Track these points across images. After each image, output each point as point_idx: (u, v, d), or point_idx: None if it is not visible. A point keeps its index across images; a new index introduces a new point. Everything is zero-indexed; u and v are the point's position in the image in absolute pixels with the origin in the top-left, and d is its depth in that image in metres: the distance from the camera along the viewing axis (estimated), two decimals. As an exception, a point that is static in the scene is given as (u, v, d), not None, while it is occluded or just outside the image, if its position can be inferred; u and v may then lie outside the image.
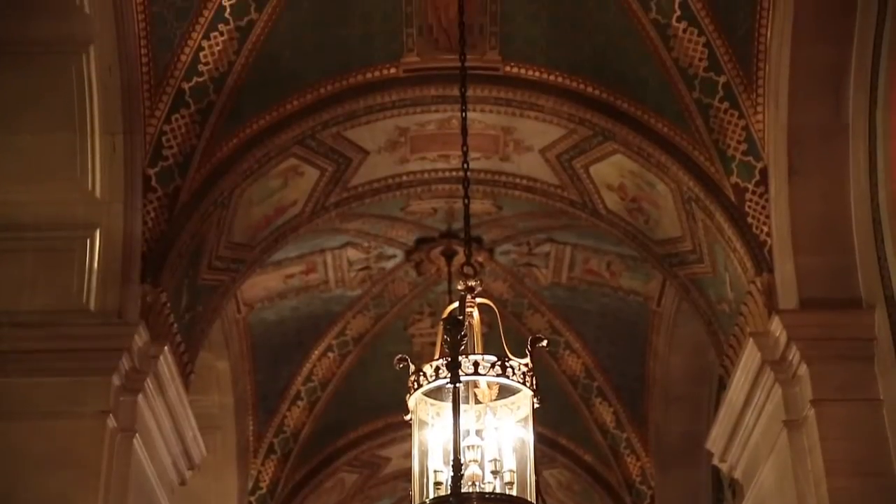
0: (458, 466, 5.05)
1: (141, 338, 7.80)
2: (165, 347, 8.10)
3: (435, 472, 5.38)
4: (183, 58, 8.27)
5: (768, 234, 8.24)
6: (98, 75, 7.71)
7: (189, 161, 8.52)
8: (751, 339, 8.07)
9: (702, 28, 8.24)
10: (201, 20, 8.24)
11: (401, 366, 5.51)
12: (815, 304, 7.80)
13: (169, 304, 8.36)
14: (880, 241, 7.34)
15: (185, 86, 8.35)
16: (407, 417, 5.56)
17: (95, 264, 7.82)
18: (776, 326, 7.83)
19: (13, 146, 7.75)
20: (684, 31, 8.33)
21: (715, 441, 9.09)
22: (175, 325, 8.56)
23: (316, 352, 12.67)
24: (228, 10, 8.30)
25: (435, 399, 5.51)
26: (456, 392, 5.21)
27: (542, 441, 9.41)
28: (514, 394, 5.54)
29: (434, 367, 5.35)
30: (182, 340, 8.79)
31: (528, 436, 5.47)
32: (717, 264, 8.91)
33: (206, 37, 8.31)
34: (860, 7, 7.40)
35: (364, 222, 11.03)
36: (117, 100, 7.84)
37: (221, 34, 8.37)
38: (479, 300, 5.71)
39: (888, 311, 7.36)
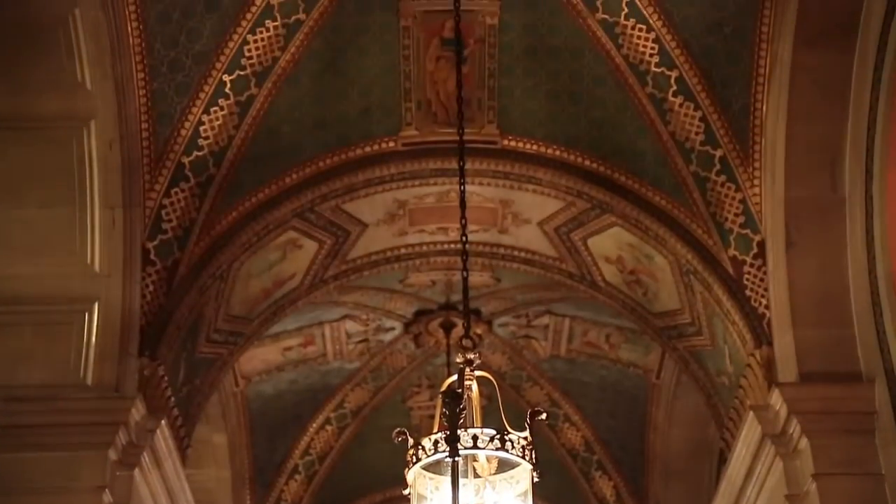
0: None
1: (138, 411, 7.76)
2: (162, 421, 8.05)
3: (434, 547, 5.32)
4: (183, 132, 8.34)
5: (767, 307, 8.24)
6: (99, 150, 7.77)
7: (188, 234, 8.55)
8: (751, 413, 8.04)
9: (698, 103, 8.34)
10: (202, 95, 8.32)
11: (399, 439, 5.48)
12: (815, 378, 7.78)
13: (166, 378, 8.34)
14: (879, 314, 7.34)
15: (185, 160, 8.41)
16: (406, 492, 5.51)
17: (93, 338, 7.81)
18: (776, 400, 7.80)
19: (14, 220, 7.77)
20: (681, 105, 8.43)
21: (716, 516, 9.02)
22: (172, 399, 8.53)
23: (314, 425, 12.61)
24: (229, 85, 8.39)
25: (434, 473, 5.46)
26: (455, 466, 5.17)
27: (542, 516, 9.30)
28: (513, 467, 5.49)
29: (433, 440, 5.31)
30: (179, 414, 8.75)
31: (528, 510, 5.42)
32: (717, 337, 8.90)
33: (207, 112, 8.39)
34: (854, 83, 7.48)
35: (362, 295, 11.04)
36: (118, 174, 7.89)
37: (222, 109, 8.44)
38: (477, 373, 5.69)
39: (888, 384, 7.34)
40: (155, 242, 8.35)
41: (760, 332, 8.25)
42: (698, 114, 8.37)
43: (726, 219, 8.49)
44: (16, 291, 7.74)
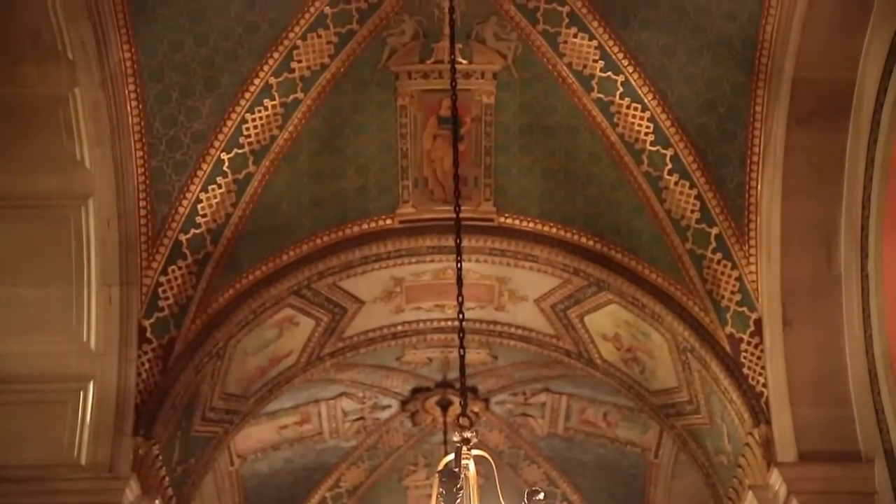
0: None
1: (132, 492, 7.70)
2: (157, 501, 7.99)
3: None
4: (181, 210, 8.37)
5: (764, 385, 8.22)
6: (97, 228, 7.79)
7: (185, 312, 8.54)
8: (750, 493, 7.98)
9: (693, 181, 8.40)
10: (200, 173, 8.38)
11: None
12: (815, 457, 7.73)
13: (161, 457, 8.27)
14: (877, 393, 7.32)
15: (183, 237, 8.43)
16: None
17: (88, 417, 7.77)
18: (776, 479, 7.75)
19: (10, 298, 7.77)
20: (676, 183, 8.49)
21: None
22: (167, 478, 8.45)
23: (310, 504, 12.50)
24: (227, 163, 8.45)
25: (431, 555, 5.41)
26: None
27: None
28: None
29: (430, 521, 5.27)
30: (174, 494, 8.68)
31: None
32: (715, 415, 8.87)
33: (205, 189, 8.43)
34: (848, 162, 7.53)
35: (359, 372, 11.01)
36: (115, 252, 7.91)
37: (219, 187, 8.49)
38: (474, 452, 5.66)
39: (888, 464, 7.29)
40: (151, 320, 8.34)
41: (758, 411, 8.21)
42: (693, 192, 8.43)
43: (723, 296, 8.50)
44: (10, 370, 7.71)
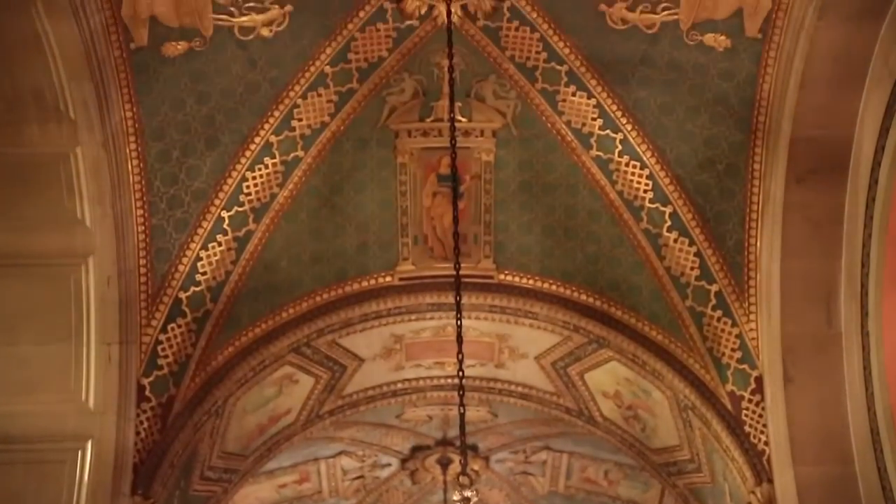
0: None
1: (130, 552, 7.64)
2: (155, 561, 7.92)
3: None
4: (181, 268, 8.38)
5: (766, 443, 8.18)
6: (96, 287, 7.80)
7: (184, 370, 8.52)
8: (753, 551, 7.92)
9: (692, 238, 8.42)
10: (200, 231, 8.40)
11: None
12: (818, 516, 7.68)
13: (159, 517, 8.22)
14: (879, 451, 7.27)
15: (183, 295, 8.43)
16: None
17: (86, 477, 7.70)
18: (779, 538, 7.69)
19: (9, 357, 7.74)
20: (675, 240, 8.50)
21: None
22: (165, 538, 8.40)
23: (308, 564, 12.38)
24: (227, 221, 8.47)
25: None
26: None
27: None
28: None
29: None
30: (172, 554, 8.61)
31: None
32: (716, 473, 8.81)
33: (205, 247, 8.45)
34: (847, 220, 7.55)
35: (358, 430, 10.96)
36: (114, 311, 7.91)
37: (220, 244, 8.51)
38: (475, 512, 5.62)
39: (892, 523, 7.24)
40: (150, 379, 8.32)
41: (760, 469, 8.16)
42: (693, 249, 8.45)
43: (723, 354, 8.49)
44: (8, 430, 7.66)
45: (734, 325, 8.39)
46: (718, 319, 8.46)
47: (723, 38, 7.73)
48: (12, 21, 6.89)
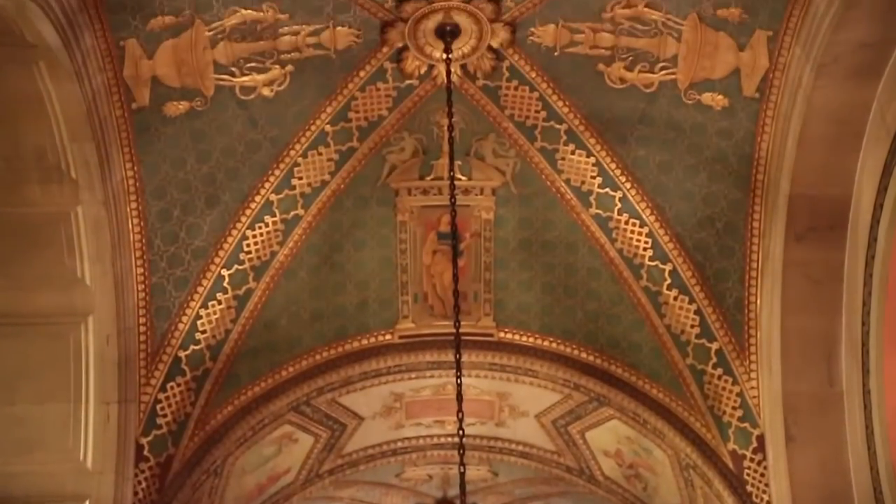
0: None
1: None
2: None
3: None
4: (181, 326, 8.38)
5: (769, 503, 8.12)
6: (96, 345, 7.78)
7: (183, 429, 8.48)
8: None
9: (692, 296, 8.42)
10: (200, 290, 8.40)
11: None
12: (821, 576, 7.61)
13: (157, 578, 8.15)
14: (882, 509, 7.23)
15: (182, 354, 8.41)
16: None
17: (84, 537, 7.67)
18: None
19: (7, 417, 7.71)
20: (675, 298, 8.51)
21: None
22: None
23: None
24: (227, 279, 8.47)
25: None
26: None
27: None
28: None
29: None
30: None
31: None
32: (719, 533, 8.75)
33: (205, 305, 8.44)
34: (846, 278, 7.55)
35: (358, 489, 10.89)
36: (113, 370, 7.89)
37: (220, 303, 8.51)
38: (475, 575, 5.57)
39: (891, 583, 7.17)
40: (149, 438, 8.28)
41: (763, 529, 8.12)
42: (693, 307, 8.45)
43: (724, 412, 8.45)
44: (7, 490, 7.60)
45: (735, 383, 8.36)
46: (719, 377, 8.44)
47: (720, 97, 7.79)
48: (14, 81, 6.93)
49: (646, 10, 7.61)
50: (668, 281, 8.50)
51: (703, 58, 7.70)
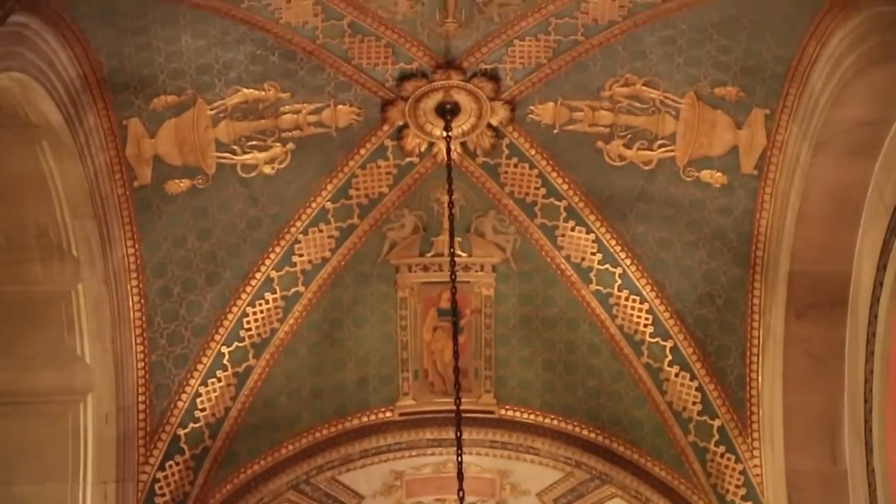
0: None
1: None
2: None
3: None
4: (180, 404, 8.33)
5: (773, 582, 8.04)
6: (94, 424, 7.70)
7: (181, 509, 8.42)
8: None
9: (694, 373, 8.39)
10: (200, 367, 8.37)
11: None
12: None
13: None
14: (888, 589, 7.14)
15: (181, 432, 8.36)
16: None
17: None
18: None
19: (6, 498, 7.61)
20: (677, 375, 8.48)
21: None
22: None
23: None
24: (227, 356, 8.45)
25: None
26: None
27: None
28: None
29: None
30: None
31: None
32: None
33: (204, 383, 8.41)
34: (848, 355, 7.53)
35: (358, 568, 10.75)
36: (112, 448, 7.82)
37: (219, 380, 8.47)
38: None
39: None
40: (147, 518, 8.21)
41: None
42: (695, 384, 8.42)
43: (727, 490, 8.38)
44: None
45: (738, 461, 8.30)
46: (722, 455, 8.38)
47: (719, 174, 7.85)
48: (17, 160, 6.98)
49: (644, 88, 7.70)
50: (669, 357, 8.48)
51: (701, 135, 7.77)
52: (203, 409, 8.44)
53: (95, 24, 6.84)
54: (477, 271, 8.87)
